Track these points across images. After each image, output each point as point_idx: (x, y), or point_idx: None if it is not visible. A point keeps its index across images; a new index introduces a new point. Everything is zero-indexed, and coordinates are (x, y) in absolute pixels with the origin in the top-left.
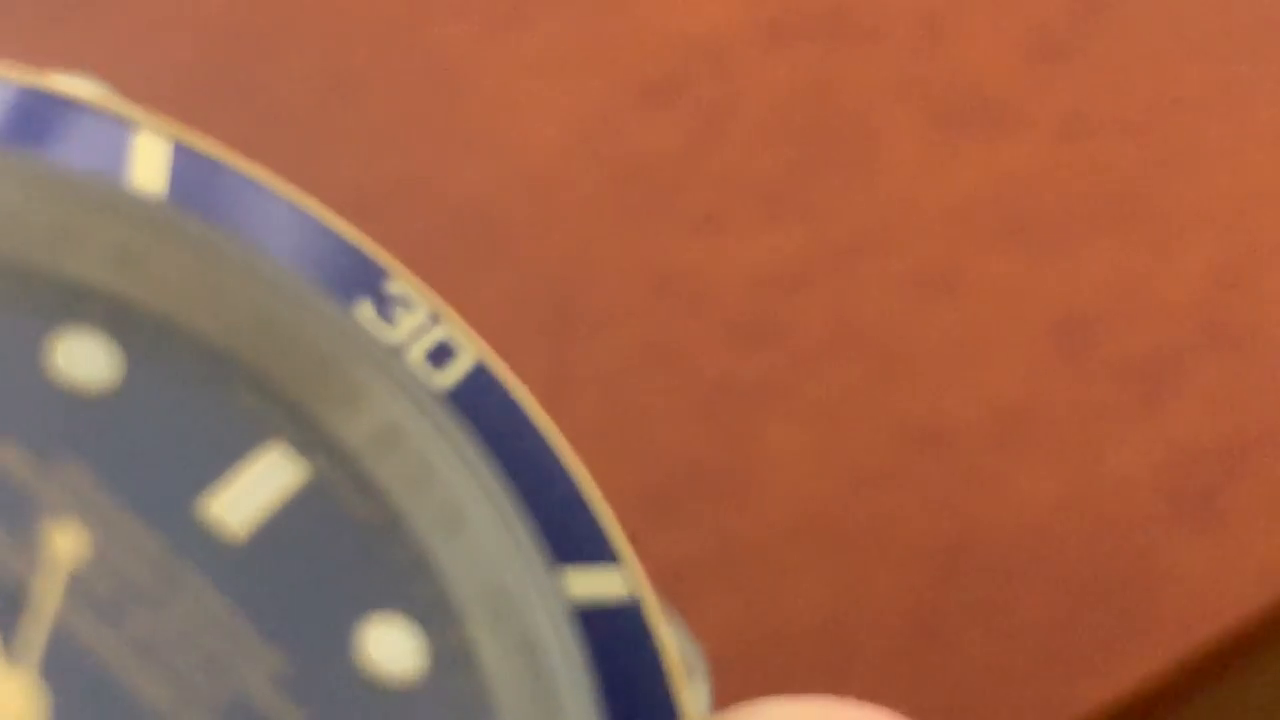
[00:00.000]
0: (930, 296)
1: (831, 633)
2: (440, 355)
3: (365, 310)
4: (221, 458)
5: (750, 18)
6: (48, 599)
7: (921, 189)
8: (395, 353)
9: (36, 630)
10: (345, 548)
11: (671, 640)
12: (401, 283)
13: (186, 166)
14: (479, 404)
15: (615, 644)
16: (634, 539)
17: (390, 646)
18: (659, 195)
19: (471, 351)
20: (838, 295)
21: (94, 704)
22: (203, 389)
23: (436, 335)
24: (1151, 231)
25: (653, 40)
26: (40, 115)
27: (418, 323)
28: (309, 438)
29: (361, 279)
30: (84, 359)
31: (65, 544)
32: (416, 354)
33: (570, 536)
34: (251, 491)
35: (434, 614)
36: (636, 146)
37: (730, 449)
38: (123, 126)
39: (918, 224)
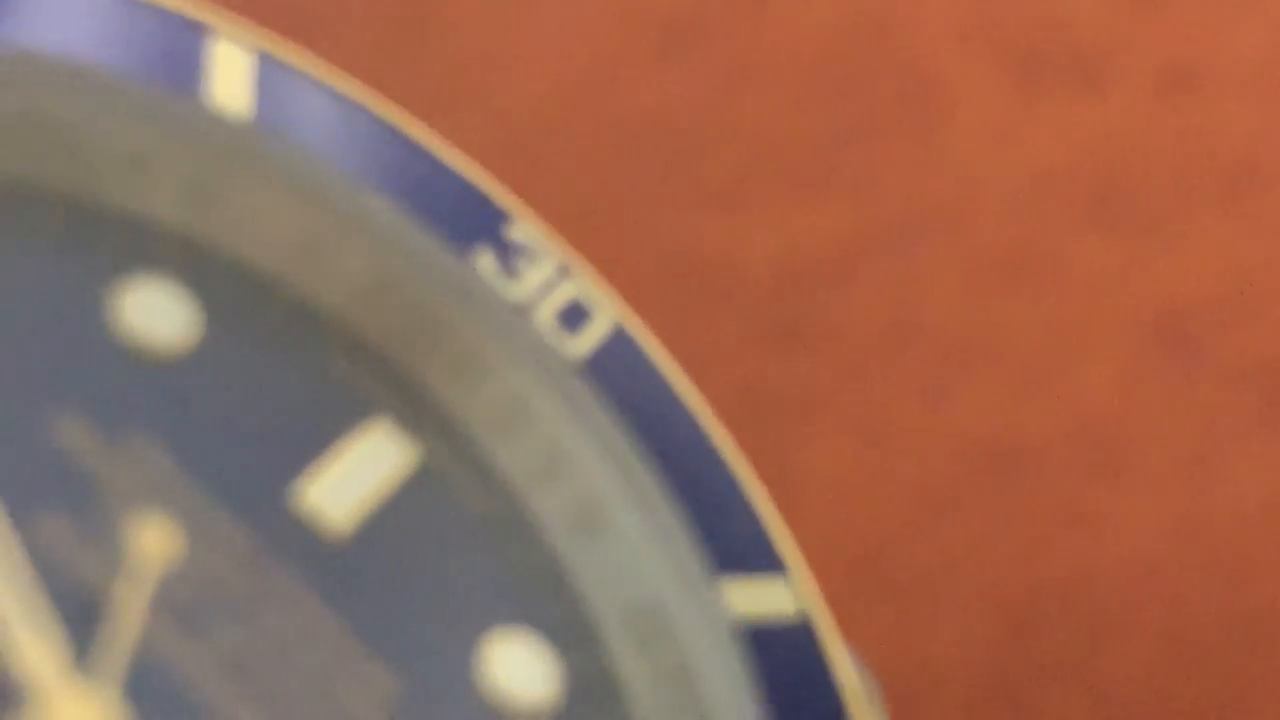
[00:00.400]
0: (1004, 287)
1: (885, 693)
2: (572, 316)
3: (485, 261)
4: (318, 436)
5: None
6: (131, 607)
7: (993, 156)
8: (521, 313)
9: (117, 643)
10: (463, 549)
11: (848, 665)
12: (526, 228)
13: (274, 83)
14: (618, 377)
15: (782, 670)
16: None
17: (518, 669)
18: (674, 162)
19: (608, 312)
20: (891, 285)
21: None
22: (293, 353)
23: (568, 292)
24: (1271, 208)
25: None
26: (102, 17)
27: (545, 277)
28: (419, 414)
29: (480, 223)
30: (156, 314)
31: (154, 543)
32: (545, 314)
33: (728, 541)
34: (354, 477)
35: (569, 632)
36: (647, 102)
37: (760, 470)
38: (198, 32)
39: (989, 199)
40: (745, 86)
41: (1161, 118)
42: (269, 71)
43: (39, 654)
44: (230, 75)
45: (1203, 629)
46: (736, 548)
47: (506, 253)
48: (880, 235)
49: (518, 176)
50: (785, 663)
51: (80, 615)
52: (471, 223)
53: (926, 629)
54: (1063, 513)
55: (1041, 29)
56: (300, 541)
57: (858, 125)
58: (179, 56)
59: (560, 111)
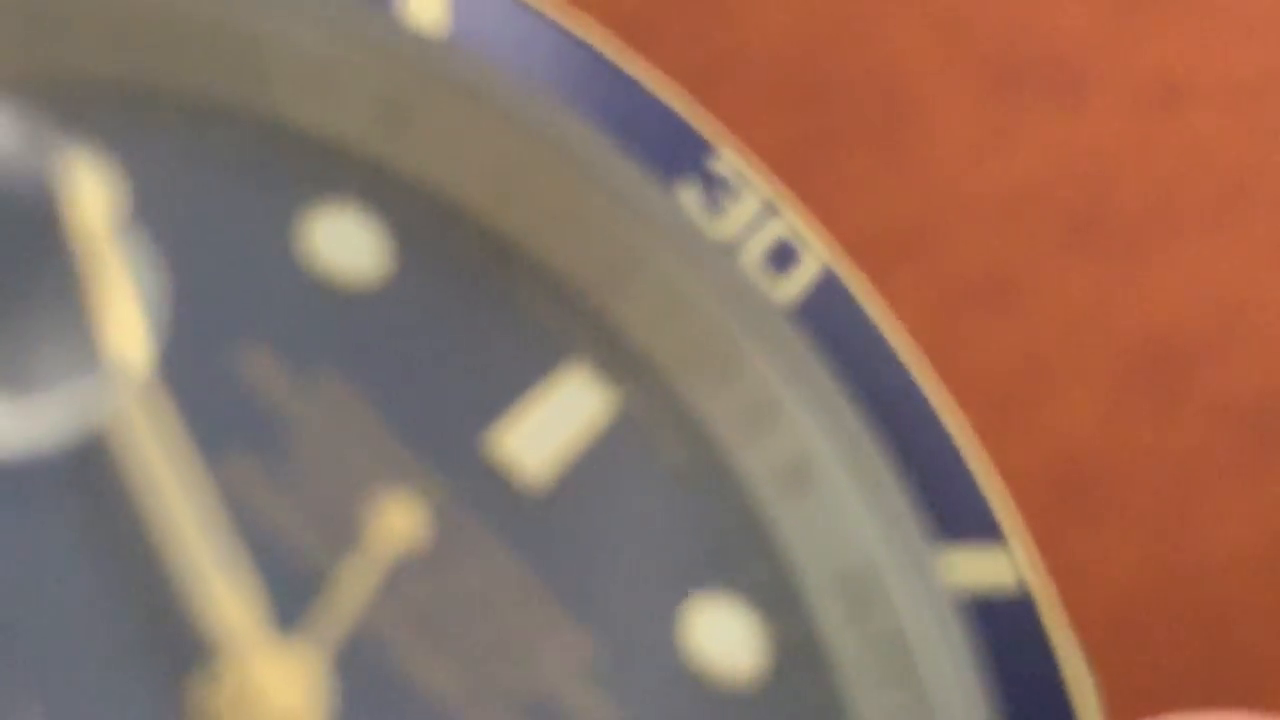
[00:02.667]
0: (979, 310)
1: None
2: (780, 257)
3: (688, 195)
4: (514, 381)
5: None
6: (358, 583)
7: (970, 172)
8: (726, 252)
9: (334, 612)
10: (664, 505)
11: (1070, 643)
12: (732, 161)
13: (471, 1)
14: (828, 324)
15: (1000, 644)
16: None
17: (722, 636)
18: None
19: (817, 253)
20: None
21: (375, 691)
22: (488, 289)
23: (775, 230)
24: (1262, 233)
25: None
26: None
27: (751, 213)
28: (618, 358)
29: (684, 155)
30: (346, 243)
31: (397, 524)
32: (752, 254)
33: (945, 505)
34: (550, 426)
35: (775, 596)
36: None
37: None
38: None
39: (965, 217)
40: (707, 92)
41: (1146, 136)
42: None
43: (237, 610)
44: None
45: (1179, 673)
46: (953, 512)
47: (711, 186)
48: (850, 252)
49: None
50: (1003, 637)
51: (284, 575)
52: (675, 154)
53: None
54: (1038, 551)
55: (1023, 41)
56: (495, 493)
57: (828, 136)
58: None
59: None
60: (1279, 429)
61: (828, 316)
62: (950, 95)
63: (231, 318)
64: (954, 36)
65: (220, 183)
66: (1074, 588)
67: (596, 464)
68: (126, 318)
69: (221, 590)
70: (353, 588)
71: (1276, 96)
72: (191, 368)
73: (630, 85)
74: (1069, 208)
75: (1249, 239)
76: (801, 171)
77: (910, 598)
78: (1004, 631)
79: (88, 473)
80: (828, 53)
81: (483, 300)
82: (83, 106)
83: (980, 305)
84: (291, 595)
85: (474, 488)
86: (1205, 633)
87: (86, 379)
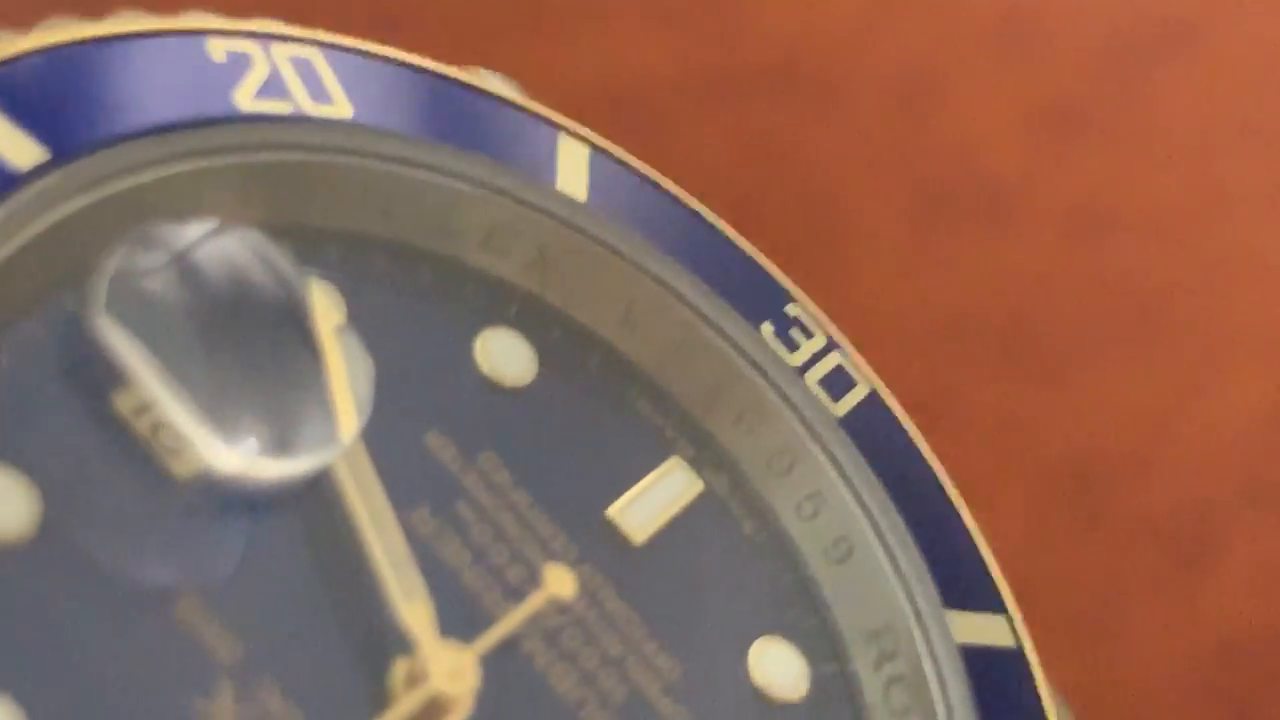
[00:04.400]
0: None
1: None
2: (835, 382)
3: (767, 330)
4: (627, 468)
5: (685, 69)
6: (513, 619)
7: (897, 292)
8: (795, 377)
9: (492, 629)
10: (736, 565)
11: (1052, 697)
12: (802, 306)
13: (604, 174)
14: (871, 433)
15: (996, 688)
16: None
17: (778, 669)
18: None
19: (865, 381)
20: None
21: (515, 689)
22: (609, 397)
23: (833, 360)
24: (1183, 353)
25: (564, 92)
26: (470, 111)
27: (816, 348)
28: (708, 455)
29: (765, 299)
30: (504, 357)
31: (559, 587)
32: (813, 378)
33: (959, 580)
34: (651, 499)
35: (820, 642)
36: None
37: None
38: (550, 128)
39: (894, 338)
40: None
41: (1071, 259)
42: (600, 164)
43: (417, 615)
44: (571, 166)
45: None
46: (965, 587)
47: (785, 325)
48: None
49: None
50: (999, 682)
51: (454, 603)
52: (758, 298)
53: None
54: None
55: (949, 163)
56: (606, 546)
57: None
58: (535, 149)
59: None
60: (1197, 544)
61: (871, 428)
62: (878, 217)
63: (419, 406)
64: (882, 158)
65: (416, 307)
66: None
67: (685, 530)
68: (344, 399)
69: (407, 602)
70: (510, 618)
71: (1196, 221)
72: (387, 440)
73: (727, 244)
74: (995, 330)
75: (1170, 359)
76: None
77: (926, 648)
78: (1002, 677)
79: (318, 504)
80: (758, 173)
81: (607, 405)
82: (315, 246)
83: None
84: (458, 618)
85: (590, 542)
86: None
87: (318, 439)
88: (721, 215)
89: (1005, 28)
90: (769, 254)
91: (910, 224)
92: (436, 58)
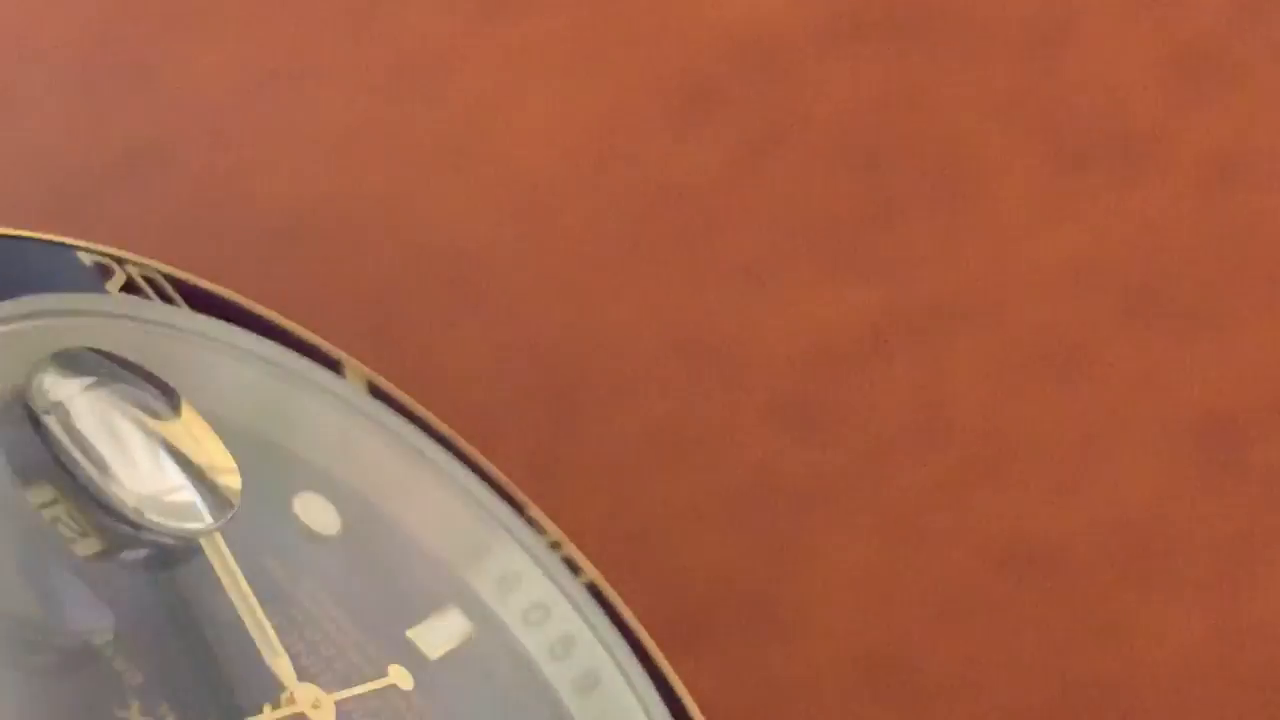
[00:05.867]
0: (1038, 380)
1: None
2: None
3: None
4: (418, 604)
5: (811, 13)
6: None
7: (1030, 242)
8: (550, 549)
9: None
10: (500, 694)
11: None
12: (534, 510)
13: (383, 393)
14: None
15: None
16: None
17: None
18: (688, 238)
19: (588, 573)
20: (917, 372)
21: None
22: (394, 552)
23: (565, 552)
24: None
25: (685, 38)
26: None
27: (551, 541)
28: (473, 609)
29: (505, 509)
30: (314, 513)
31: (400, 679)
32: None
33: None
34: (437, 631)
35: None
36: (660, 174)
37: (773, 564)
38: (335, 358)
39: (1025, 286)
40: (768, 158)
41: (1206, 210)
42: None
43: (280, 665)
44: (354, 374)
45: None
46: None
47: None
48: (907, 319)
49: (529, 240)
50: None
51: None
52: (499, 509)
53: None
54: (1093, 619)
55: (1085, 113)
56: (409, 655)
57: (888, 203)
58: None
59: (574, 178)
60: None
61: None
62: (1011, 167)
63: (252, 536)
64: (1017, 107)
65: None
66: (1132, 655)
67: (465, 661)
68: (214, 490)
69: (273, 655)
70: (360, 688)
71: None
72: (236, 549)
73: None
74: (1127, 281)
75: None
76: (862, 239)
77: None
78: None
79: (193, 578)
80: (890, 123)
81: (395, 561)
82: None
83: (1038, 374)
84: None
85: (396, 647)
86: (1266, 700)
87: (198, 513)
88: (852, 164)
89: None
90: (901, 204)
91: (1042, 172)
92: None
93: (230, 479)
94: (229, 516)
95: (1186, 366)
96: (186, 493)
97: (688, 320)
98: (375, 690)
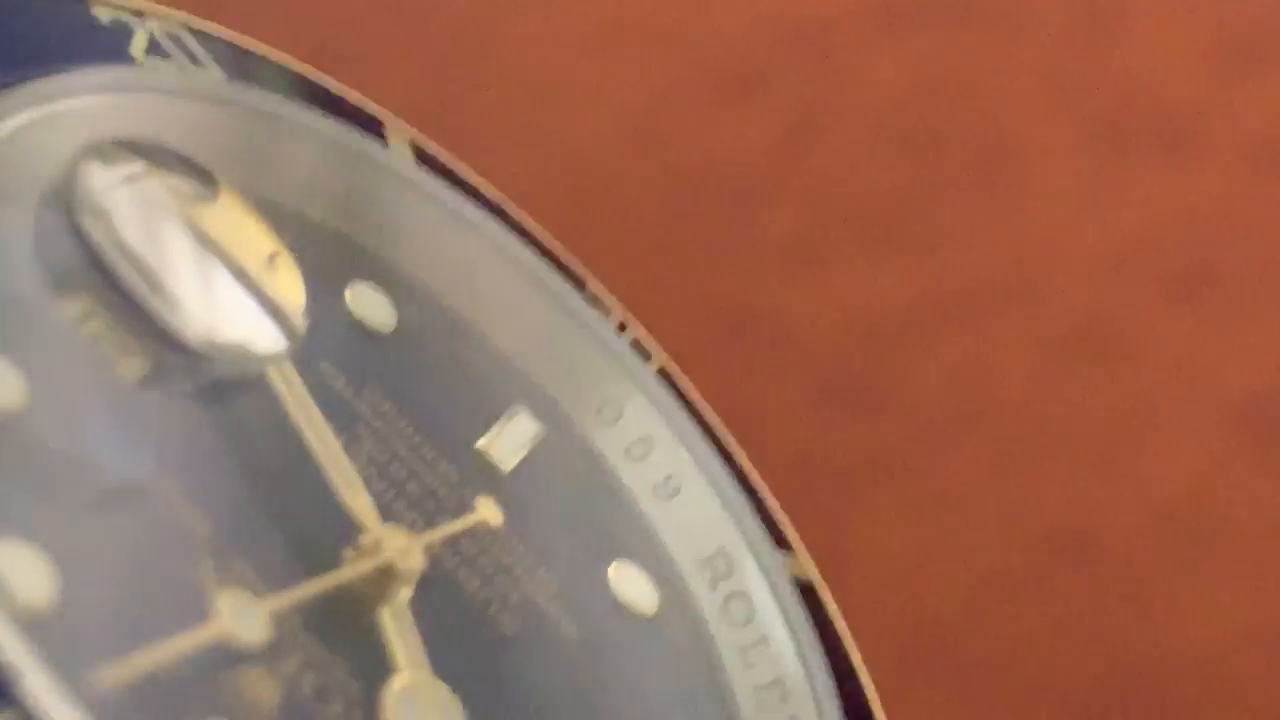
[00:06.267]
0: (1080, 360)
1: None
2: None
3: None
4: (482, 409)
5: None
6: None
7: (1073, 222)
8: (616, 337)
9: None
10: (583, 500)
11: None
12: (594, 287)
13: (430, 157)
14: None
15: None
16: None
17: (633, 588)
18: (734, 214)
19: (658, 357)
20: (961, 352)
21: (437, 586)
22: (457, 350)
23: (631, 335)
24: None
25: (731, 19)
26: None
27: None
28: (542, 408)
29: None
30: (370, 306)
31: (488, 516)
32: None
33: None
34: (507, 438)
35: (660, 567)
36: (707, 150)
37: (815, 543)
38: (377, 118)
39: (1068, 267)
40: (812, 137)
41: (1252, 191)
42: (423, 153)
43: (358, 502)
44: (400, 141)
45: None
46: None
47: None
48: (951, 299)
49: (571, 219)
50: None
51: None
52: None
53: None
54: (1136, 602)
55: (1129, 93)
56: (483, 474)
57: (931, 182)
58: (369, 127)
59: (617, 156)
60: None
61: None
62: (1056, 147)
63: (309, 340)
64: (1061, 88)
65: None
66: (1176, 637)
67: (539, 466)
68: (279, 314)
69: (348, 490)
70: (448, 526)
71: None
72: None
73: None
74: (1172, 263)
75: None
76: (905, 219)
77: (752, 571)
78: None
79: (257, 409)
80: (934, 102)
81: (457, 356)
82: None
83: (1082, 356)
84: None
85: (470, 470)
86: None
87: (261, 338)
88: (895, 143)
89: None
90: (945, 185)
91: (1088, 154)
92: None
93: (291, 289)
94: (299, 338)
95: (1230, 349)
96: (249, 312)
97: (731, 294)
98: (465, 529)
